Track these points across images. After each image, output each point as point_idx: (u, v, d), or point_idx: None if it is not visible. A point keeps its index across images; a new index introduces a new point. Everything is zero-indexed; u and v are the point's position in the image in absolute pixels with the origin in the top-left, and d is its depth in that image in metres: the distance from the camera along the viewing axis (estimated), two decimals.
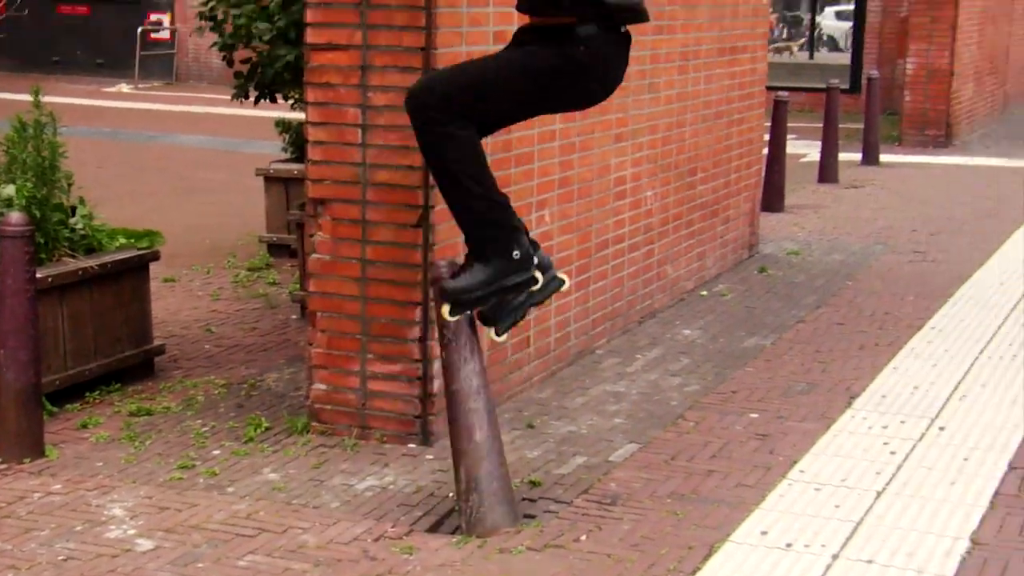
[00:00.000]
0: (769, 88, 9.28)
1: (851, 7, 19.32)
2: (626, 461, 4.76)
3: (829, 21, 30.54)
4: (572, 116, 5.71)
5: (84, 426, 5.07)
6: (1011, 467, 4.75)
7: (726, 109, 7.78)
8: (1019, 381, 5.86)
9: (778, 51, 24.85)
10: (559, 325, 5.82)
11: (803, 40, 27.40)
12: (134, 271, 5.66)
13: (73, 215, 5.60)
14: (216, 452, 4.79)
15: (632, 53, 6.27)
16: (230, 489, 4.41)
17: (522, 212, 5.34)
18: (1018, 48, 19.40)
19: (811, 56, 21.91)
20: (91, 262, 5.41)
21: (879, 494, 4.45)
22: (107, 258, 5.51)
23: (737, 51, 7.85)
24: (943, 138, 14.74)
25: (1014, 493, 4.49)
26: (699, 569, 3.85)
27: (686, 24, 7.01)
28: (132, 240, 5.77)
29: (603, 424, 5.18)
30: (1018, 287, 7.79)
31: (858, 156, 13.44)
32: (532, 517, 4.21)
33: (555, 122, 5.57)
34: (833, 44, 29.45)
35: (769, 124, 10.27)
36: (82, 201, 5.68)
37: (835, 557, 3.94)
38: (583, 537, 4.07)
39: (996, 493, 4.48)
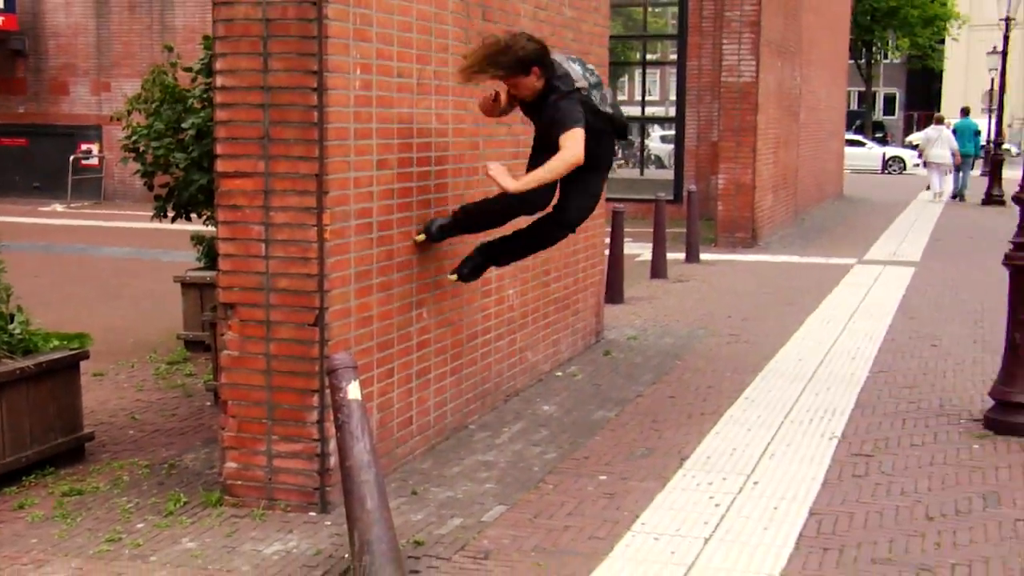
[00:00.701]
0: (608, 200, 9.49)
1: (672, 132, 19.85)
2: (496, 521, 4.73)
3: (655, 144, 31.31)
4: None
5: (21, 507, 4.86)
6: (811, 513, 4.84)
7: None
8: (816, 440, 6.00)
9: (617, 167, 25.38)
10: (437, 405, 5.79)
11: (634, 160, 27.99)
12: (66, 369, 5.48)
13: (12, 322, 5.42)
14: (140, 525, 4.63)
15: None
16: (152, 558, 4.26)
17: (404, 310, 5.35)
18: (804, 166, 20.19)
19: (641, 172, 22.32)
20: (28, 362, 5.23)
21: (707, 540, 4.49)
22: (42, 358, 5.33)
23: None
24: (750, 239, 15.16)
25: (813, 535, 4.57)
26: None
27: None
28: (65, 342, 5.60)
29: (476, 489, 5.15)
30: (813, 362, 8.00)
31: (683, 255, 13.73)
32: (417, 573, 4.15)
33: None
34: (659, 163, 30.16)
35: (609, 230, 10.45)
36: (20, 309, 5.51)
37: None
38: None
39: (800, 536, 4.56)
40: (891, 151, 42.12)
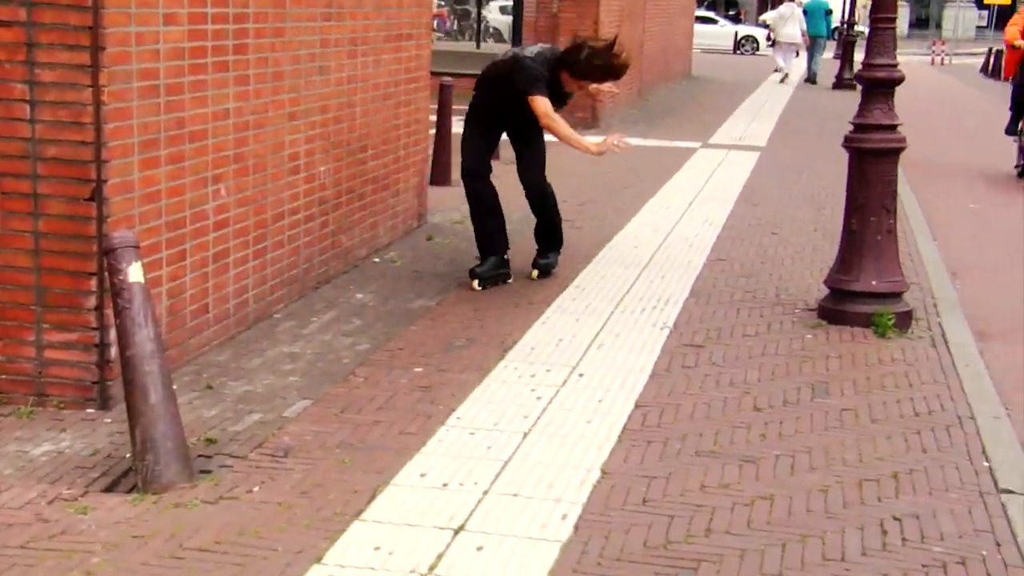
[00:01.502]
0: (436, 73, 9.34)
1: (512, 2, 19.67)
2: (299, 416, 4.69)
3: (494, 15, 31.01)
4: (246, 94, 5.55)
5: None
6: (637, 405, 4.96)
7: (394, 92, 7.76)
8: (647, 330, 6.14)
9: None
10: (237, 292, 5.66)
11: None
12: None
13: None
14: None
15: (304, 38, 6.18)
16: None
17: (198, 186, 5.17)
18: (649, 43, 20.33)
19: (478, 46, 22.12)
20: None
21: (525, 435, 4.56)
22: None
23: (403, 38, 7.84)
24: (590, 119, 15.23)
25: (638, 428, 4.70)
26: (363, 511, 3.83)
27: (354, 12, 6.92)
28: None
29: (279, 383, 5.08)
30: (649, 249, 8.16)
31: None
32: (208, 472, 4.08)
33: (229, 100, 5.40)
34: (499, 36, 29.95)
35: (436, 106, 10.33)
36: None
37: (485, 493, 4.01)
38: (256, 488, 3.97)
39: (624, 429, 4.67)
40: (744, 30, 42.97)
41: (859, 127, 6.39)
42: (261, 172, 5.81)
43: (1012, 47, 13.29)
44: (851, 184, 6.45)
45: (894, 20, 6.31)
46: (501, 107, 7.06)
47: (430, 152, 9.83)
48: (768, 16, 31.14)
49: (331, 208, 6.79)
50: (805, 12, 25.70)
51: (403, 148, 8.04)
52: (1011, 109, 13.41)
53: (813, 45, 25.80)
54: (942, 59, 38.42)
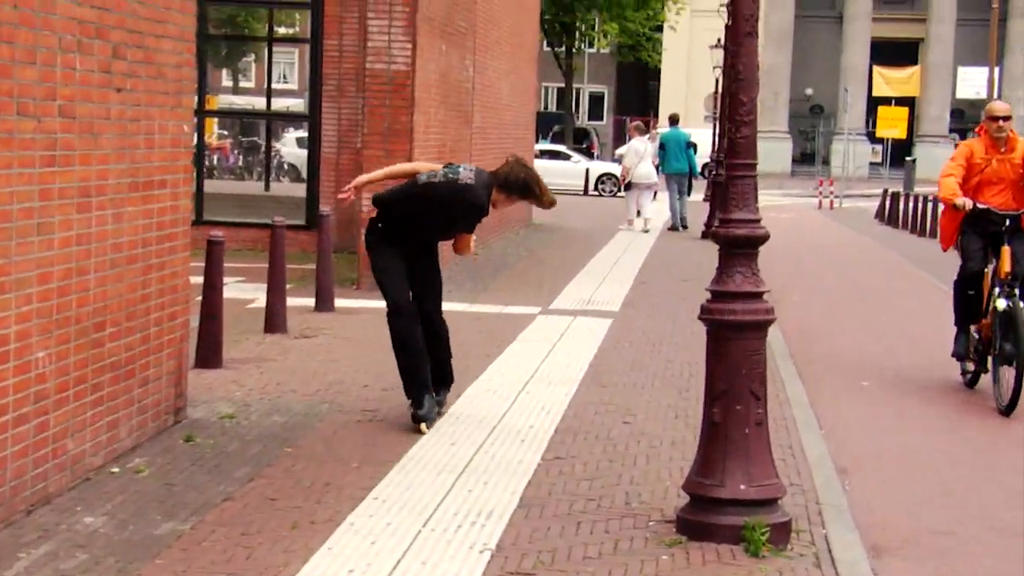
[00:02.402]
0: (209, 223, 9.28)
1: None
2: None
3: (289, 148, 31.21)
4: None
5: None
6: None
7: (142, 253, 7.64)
8: (463, 555, 6.04)
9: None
10: None
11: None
12: None
13: None
14: None
15: (16, 188, 6.06)
16: None
17: None
18: None
19: (267, 187, 22.20)
20: None
21: None
22: None
23: (154, 186, 7.76)
24: None
25: None
26: None
27: (87, 154, 6.83)
28: None
29: None
30: (469, 447, 8.11)
31: (312, 301, 13.67)
32: None
33: None
34: (296, 174, 30.11)
35: (203, 266, 10.22)
36: None
37: None
38: None
39: None
40: (600, 167, 44.31)
41: (717, 295, 6.54)
42: None
43: (953, 207, 10.55)
44: (711, 365, 6.55)
45: (754, 167, 6.54)
46: (418, 229, 8.53)
47: (194, 325, 9.70)
48: (622, 151, 32.23)
49: (53, 405, 6.56)
50: (662, 146, 26.69)
51: (154, 324, 7.89)
52: (956, 315, 11.01)
53: (675, 185, 26.68)
54: (831, 202, 40.24)
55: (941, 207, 11.30)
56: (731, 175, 6.54)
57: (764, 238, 6.54)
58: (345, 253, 16.89)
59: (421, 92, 15.53)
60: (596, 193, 42.27)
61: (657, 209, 27.29)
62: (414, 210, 8.43)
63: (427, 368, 8.50)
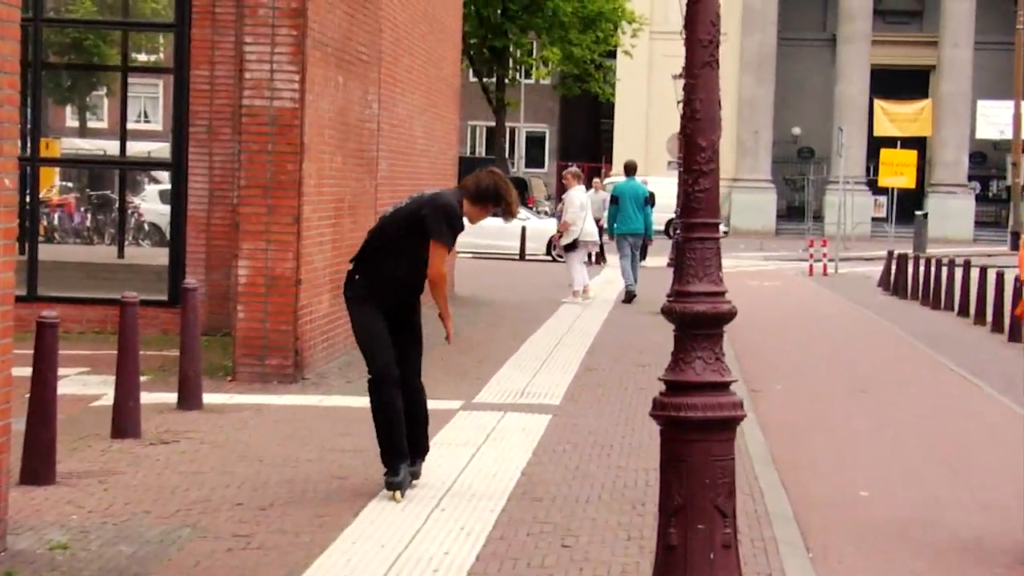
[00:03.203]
0: (44, 299, 9.16)
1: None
2: None
3: (150, 204, 31.01)
4: None
5: None
6: None
7: None
8: None
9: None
10: None
11: None
12: None
13: None
14: None
15: None
16: None
17: None
18: None
19: (120, 253, 22.02)
20: None
21: None
22: None
23: None
24: (291, 369, 15.19)
25: None
26: None
27: None
28: None
29: None
30: None
31: (174, 397, 13.51)
32: None
33: None
34: (158, 235, 29.93)
35: (32, 354, 10.08)
36: None
37: None
38: None
39: None
40: (539, 226, 44.05)
41: (673, 386, 6.52)
42: None
43: None
44: (666, 475, 6.51)
45: (716, 227, 6.55)
46: (395, 268, 9.85)
47: (20, 429, 9.55)
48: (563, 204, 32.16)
49: None
50: (614, 199, 26.68)
51: None
52: None
53: (628, 248, 26.55)
54: (824, 267, 40.48)
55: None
56: (688, 237, 6.54)
57: (730, 315, 6.54)
58: (218, 335, 16.75)
59: (312, 134, 15.48)
60: (534, 257, 42.24)
61: (607, 276, 27.35)
62: (384, 243, 9.92)
63: (404, 436, 9.91)
